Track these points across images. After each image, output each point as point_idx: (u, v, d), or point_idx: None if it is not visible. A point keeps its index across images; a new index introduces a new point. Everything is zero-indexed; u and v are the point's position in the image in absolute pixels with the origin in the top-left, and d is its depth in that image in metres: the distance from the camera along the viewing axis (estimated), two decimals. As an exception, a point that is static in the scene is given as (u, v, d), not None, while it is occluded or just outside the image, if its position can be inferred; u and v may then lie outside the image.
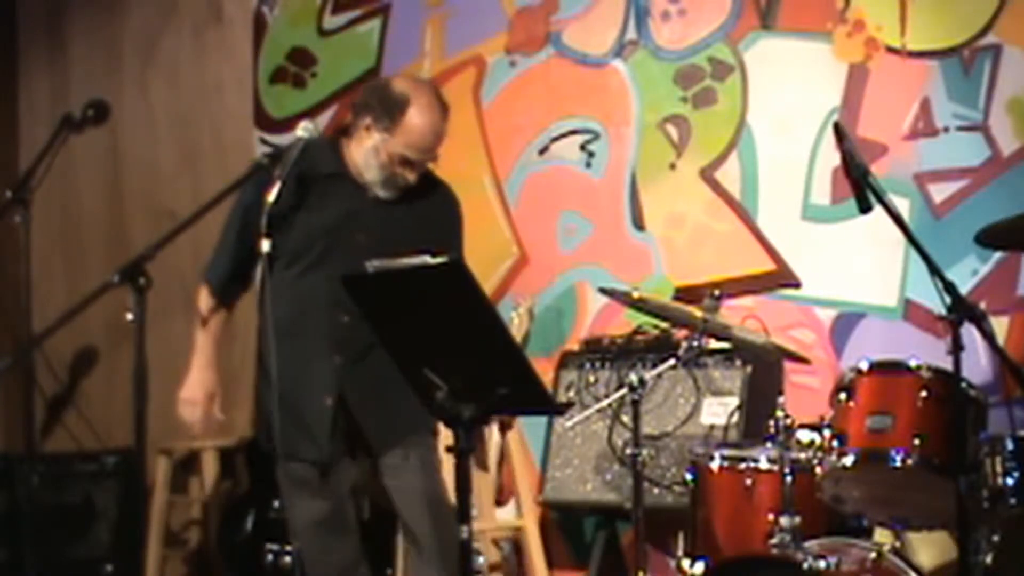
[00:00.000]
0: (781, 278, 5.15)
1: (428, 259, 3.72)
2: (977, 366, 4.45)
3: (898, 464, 3.68)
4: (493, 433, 5.06)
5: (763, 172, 5.22)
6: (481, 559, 4.92)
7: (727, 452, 4.22)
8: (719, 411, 4.78)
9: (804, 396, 4.73)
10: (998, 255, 4.72)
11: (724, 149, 5.27)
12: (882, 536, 4.01)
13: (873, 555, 3.76)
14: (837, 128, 3.54)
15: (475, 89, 5.72)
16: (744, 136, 5.24)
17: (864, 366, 3.84)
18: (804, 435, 3.87)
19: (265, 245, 3.82)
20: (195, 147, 6.45)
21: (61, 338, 5.96)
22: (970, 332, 3.42)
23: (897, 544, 3.86)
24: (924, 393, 3.71)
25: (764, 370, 4.78)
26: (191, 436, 4.79)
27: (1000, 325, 4.67)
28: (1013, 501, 3.68)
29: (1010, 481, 3.68)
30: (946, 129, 4.88)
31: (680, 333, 4.83)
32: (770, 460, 3.97)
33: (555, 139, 5.59)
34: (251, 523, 5.39)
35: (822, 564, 3.67)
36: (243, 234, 4.13)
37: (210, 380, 4.25)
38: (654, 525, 4.38)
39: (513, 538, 5.12)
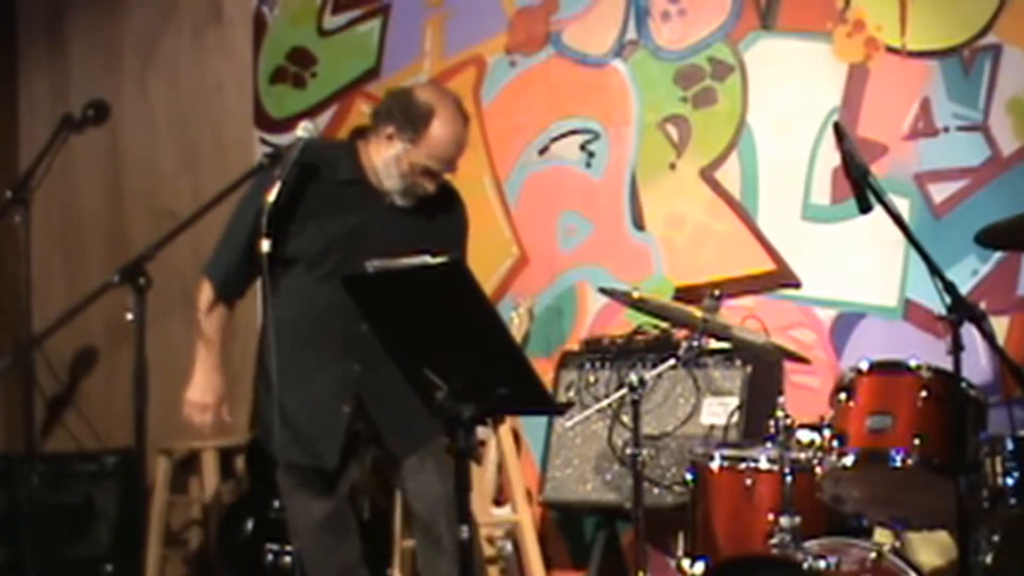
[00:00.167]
0: (781, 278, 5.15)
1: (428, 259, 3.72)
2: (977, 366, 4.45)
3: (898, 464, 3.68)
4: (491, 433, 5.06)
5: (763, 172, 5.22)
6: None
7: (727, 452, 4.21)
8: (719, 411, 4.78)
9: (804, 396, 4.73)
10: (998, 255, 4.72)
11: (724, 149, 5.27)
12: (882, 536, 4.01)
13: (873, 555, 3.76)
14: (837, 128, 3.54)
15: (475, 89, 5.71)
16: (744, 136, 5.24)
17: (864, 366, 3.84)
18: (804, 435, 3.87)
19: (265, 245, 3.81)
20: (195, 147, 6.45)
21: (61, 338, 5.97)
22: (970, 332, 3.42)
23: (897, 544, 3.86)
24: (924, 393, 3.71)
25: (764, 370, 4.78)
26: (200, 436, 4.79)
27: (1000, 325, 4.67)
28: (1013, 501, 3.67)
29: (1010, 481, 3.68)
30: (946, 129, 4.88)
31: (680, 333, 4.83)
32: (770, 460, 3.97)
33: (555, 139, 5.59)
34: (251, 523, 5.39)
35: (822, 564, 3.67)
36: (252, 233, 4.10)
37: (218, 382, 4.21)
38: (654, 525, 4.38)
39: (510, 535, 5.11)
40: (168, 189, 6.46)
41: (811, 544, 3.79)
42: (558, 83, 5.60)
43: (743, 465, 4.06)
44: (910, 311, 4.91)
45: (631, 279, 5.19)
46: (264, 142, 6.17)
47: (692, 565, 4.05)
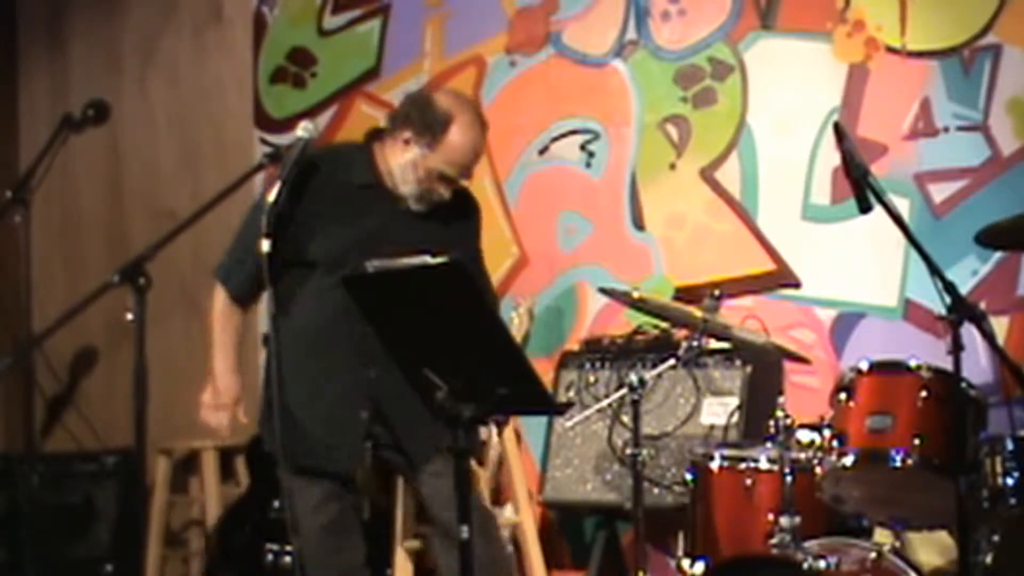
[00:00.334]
0: (781, 278, 5.15)
1: (428, 259, 3.72)
2: (977, 366, 4.45)
3: (898, 464, 3.68)
4: (491, 433, 5.06)
5: (763, 172, 5.22)
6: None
7: (727, 452, 4.21)
8: (719, 411, 4.78)
9: (804, 396, 4.73)
10: (998, 255, 4.72)
11: (724, 149, 5.27)
12: (882, 536, 4.01)
13: (873, 555, 3.76)
14: (837, 128, 3.54)
15: (475, 89, 5.71)
16: (744, 136, 5.24)
17: (864, 366, 3.84)
18: (804, 435, 3.87)
19: (265, 245, 3.79)
20: (195, 147, 6.46)
21: (61, 338, 5.97)
22: (970, 332, 3.42)
23: (897, 544, 3.86)
24: (924, 393, 3.71)
25: (764, 370, 4.78)
26: (216, 437, 4.78)
27: (1000, 325, 4.67)
28: (1013, 501, 3.68)
29: (1010, 481, 3.68)
30: (946, 129, 4.88)
31: (680, 333, 4.83)
32: (770, 460, 3.97)
33: (555, 139, 5.59)
34: (251, 523, 5.39)
35: (822, 564, 3.67)
36: (280, 230, 4.09)
37: (234, 384, 4.18)
38: (654, 525, 4.37)
39: (511, 536, 5.11)
40: (168, 189, 6.46)
41: (811, 544, 3.79)
42: (558, 83, 5.60)
43: (743, 465, 4.06)
44: (910, 311, 4.91)
45: (631, 279, 5.19)
46: (264, 142, 6.17)
47: (692, 565, 4.05)
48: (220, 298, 4.17)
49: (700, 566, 4.02)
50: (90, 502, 6.06)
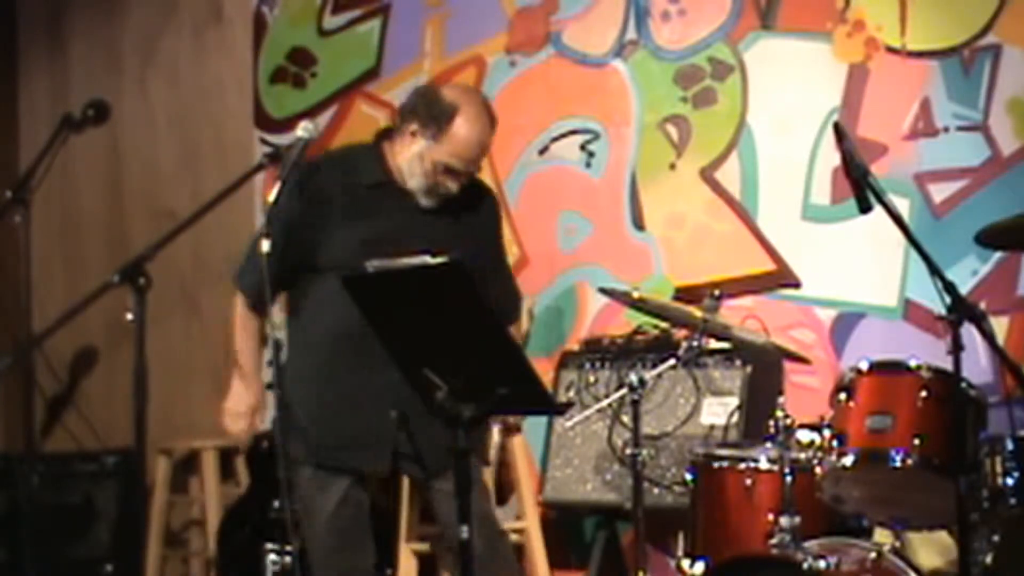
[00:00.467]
0: (781, 278, 5.15)
1: (428, 259, 3.71)
2: (977, 366, 4.45)
3: (898, 464, 3.67)
4: (493, 432, 5.05)
5: (763, 172, 5.22)
6: None
7: (727, 452, 4.21)
8: (719, 411, 4.78)
9: (804, 396, 4.73)
10: (998, 255, 4.72)
11: (724, 149, 5.28)
12: (882, 536, 4.01)
13: (873, 555, 3.76)
14: (837, 128, 3.53)
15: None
16: (744, 136, 5.24)
17: (864, 366, 3.84)
18: (804, 435, 3.87)
19: (265, 245, 3.79)
20: (195, 147, 6.46)
21: (61, 338, 5.97)
22: (970, 332, 3.42)
23: (897, 544, 3.86)
24: (924, 393, 3.70)
25: (764, 370, 4.78)
26: (242, 442, 4.77)
27: (1000, 325, 4.67)
28: (1013, 501, 3.68)
29: (1010, 481, 3.68)
30: (946, 129, 4.89)
31: (680, 333, 4.83)
32: (770, 460, 3.97)
33: (555, 139, 5.59)
34: (251, 523, 5.39)
35: (822, 564, 3.67)
36: (280, 243, 4.07)
37: (256, 391, 4.19)
38: (654, 525, 4.37)
39: (516, 541, 5.11)
40: (168, 189, 6.46)
41: (811, 544, 3.78)
42: (558, 83, 5.60)
43: (743, 465, 4.05)
44: (910, 311, 4.91)
45: (631, 279, 5.19)
46: (264, 142, 6.17)
47: (692, 565, 4.05)
48: (239, 304, 4.18)
49: (700, 566, 4.02)
50: (90, 502, 6.06)
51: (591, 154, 5.52)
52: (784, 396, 4.01)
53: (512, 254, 5.61)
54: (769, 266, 5.18)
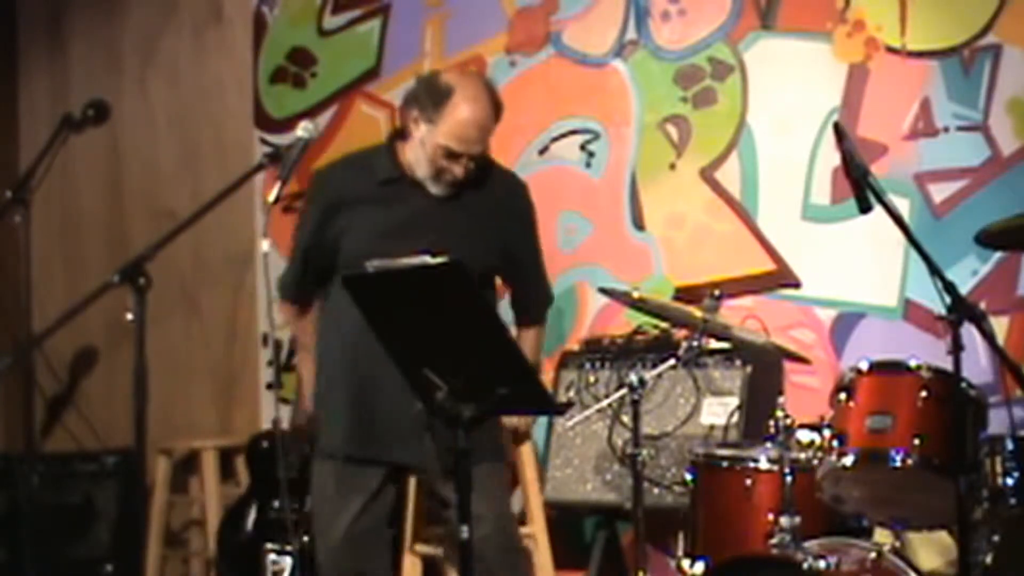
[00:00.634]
0: (781, 278, 5.15)
1: (428, 259, 3.71)
2: (977, 366, 4.45)
3: (898, 464, 3.67)
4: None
5: (763, 172, 5.22)
6: None
7: (727, 452, 4.22)
8: (719, 411, 4.78)
9: (804, 396, 4.73)
10: (998, 255, 4.72)
11: (724, 149, 5.28)
12: (882, 536, 4.01)
13: (873, 555, 3.76)
14: (837, 128, 3.53)
15: (475, 89, 5.70)
16: (744, 136, 5.24)
17: (864, 366, 3.84)
18: (804, 435, 3.87)
19: (265, 245, 3.79)
20: (195, 147, 6.46)
21: (61, 338, 5.97)
22: (970, 332, 3.42)
23: (897, 544, 3.86)
24: (924, 393, 3.70)
25: (764, 370, 4.78)
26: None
27: (1000, 325, 4.67)
28: (1013, 501, 3.68)
29: (1010, 481, 3.68)
30: (946, 129, 4.89)
31: (680, 333, 4.82)
32: (770, 460, 3.97)
33: (555, 139, 5.59)
34: (251, 523, 5.39)
35: (822, 564, 3.67)
36: (309, 246, 4.10)
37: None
38: (654, 525, 4.37)
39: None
40: (168, 189, 6.46)
41: (811, 544, 3.78)
42: (558, 83, 5.60)
43: (743, 465, 4.05)
44: (910, 311, 4.91)
45: (631, 279, 5.19)
46: (264, 142, 6.17)
47: (692, 565, 4.04)
48: (285, 312, 4.26)
49: (700, 566, 4.02)
50: (90, 502, 6.05)
51: (591, 154, 5.52)
52: (784, 396, 4.01)
53: (512, 254, 5.62)
54: (769, 266, 5.18)
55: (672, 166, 5.37)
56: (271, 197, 3.84)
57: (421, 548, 4.84)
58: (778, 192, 5.18)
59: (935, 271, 3.41)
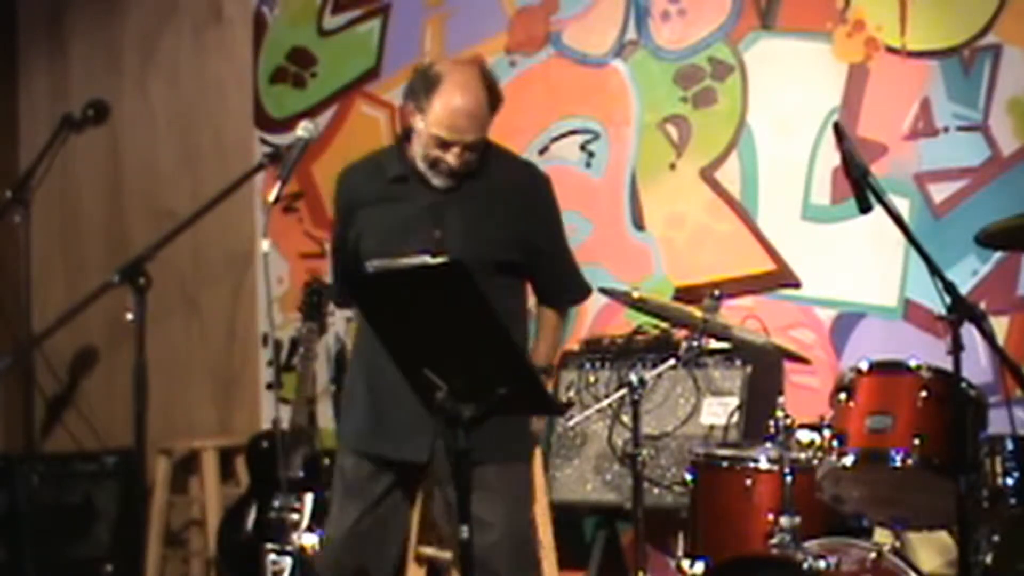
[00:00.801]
0: (781, 278, 5.15)
1: (428, 259, 3.71)
2: (977, 366, 4.45)
3: (898, 464, 3.67)
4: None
5: (763, 172, 5.22)
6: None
7: (727, 452, 4.22)
8: (719, 411, 4.78)
9: (804, 396, 4.73)
10: (998, 255, 4.72)
11: (724, 149, 5.28)
12: (882, 536, 4.01)
13: (873, 555, 3.76)
14: (837, 128, 3.53)
15: (475, 89, 5.70)
16: (744, 136, 5.24)
17: (864, 366, 3.84)
18: (804, 435, 3.86)
19: (265, 245, 3.79)
20: (195, 147, 6.46)
21: (61, 338, 5.98)
22: (970, 332, 3.42)
23: (897, 544, 3.86)
24: (924, 393, 3.70)
25: (764, 370, 4.78)
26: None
27: (1000, 325, 4.67)
28: (1013, 501, 3.68)
29: (1010, 481, 3.68)
30: (946, 129, 4.88)
31: (680, 333, 4.82)
32: (770, 460, 3.97)
33: (555, 139, 5.59)
34: (251, 523, 5.39)
35: (822, 564, 3.67)
36: (339, 253, 4.09)
37: None
38: (654, 525, 4.37)
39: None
40: (168, 189, 6.46)
41: (811, 544, 3.78)
42: (558, 83, 5.60)
43: (743, 465, 4.06)
44: (910, 311, 4.91)
45: (631, 279, 5.19)
46: (264, 142, 6.17)
47: (692, 565, 4.04)
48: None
49: (700, 566, 4.02)
50: (90, 502, 6.06)
51: (591, 154, 5.52)
52: (784, 396, 4.01)
53: (512, 254, 5.62)
54: (769, 266, 5.18)
55: (672, 166, 5.37)
56: (271, 197, 3.84)
57: (424, 551, 4.83)
58: (778, 192, 5.18)
59: (935, 271, 3.41)
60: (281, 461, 4.92)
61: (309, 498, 4.98)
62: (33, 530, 5.46)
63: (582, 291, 4.18)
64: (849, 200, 3.58)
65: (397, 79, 5.86)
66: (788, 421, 3.87)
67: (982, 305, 3.53)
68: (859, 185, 3.44)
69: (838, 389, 3.85)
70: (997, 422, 3.88)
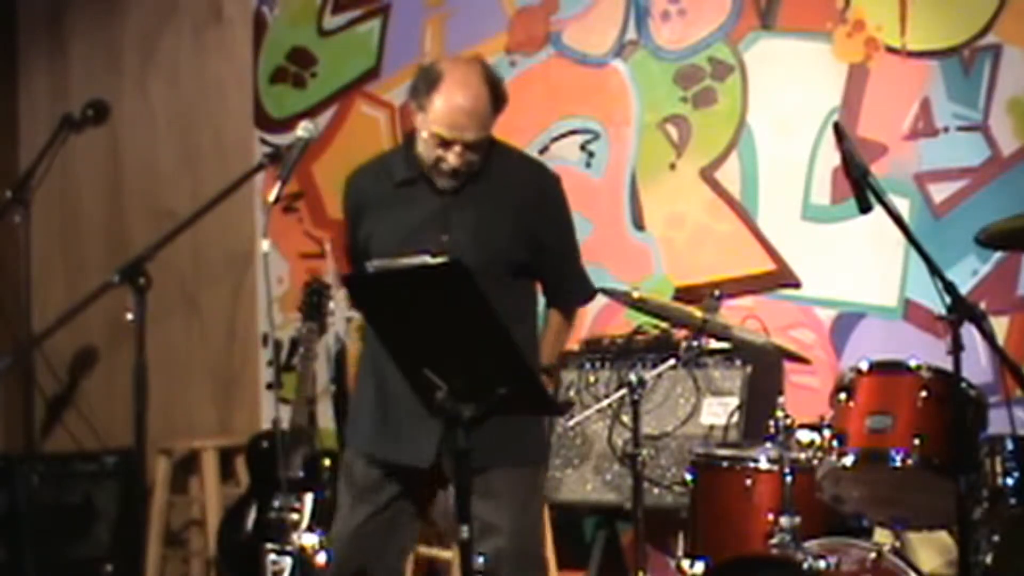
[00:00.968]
0: (781, 278, 5.15)
1: (428, 259, 3.70)
2: (977, 366, 4.45)
3: (898, 464, 3.67)
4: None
5: (763, 172, 5.22)
6: (481, 559, 4.89)
7: (727, 452, 4.21)
8: (719, 411, 4.78)
9: (804, 396, 4.73)
10: (998, 255, 4.72)
11: (724, 149, 5.28)
12: (882, 536, 4.01)
13: (873, 555, 3.76)
14: (837, 128, 3.53)
15: (475, 89, 5.70)
16: (744, 136, 5.24)
17: (864, 366, 3.84)
18: (804, 435, 3.86)
19: (265, 245, 3.78)
20: (195, 147, 6.46)
21: (61, 338, 5.98)
22: (970, 332, 3.42)
23: (897, 544, 3.86)
24: (924, 393, 3.70)
25: (764, 370, 4.78)
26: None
27: (1000, 325, 4.67)
28: (1013, 501, 3.68)
29: (1010, 481, 3.68)
30: (946, 129, 4.89)
31: (680, 333, 4.82)
32: (770, 460, 3.97)
33: (555, 139, 5.59)
34: (251, 523, 5.39)
35: (822, 564, 3.67)
36: (349, 254, 4.07)
37: None
38: (654, 525, 4.37)
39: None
40: (168, 189, 6.46)
41: (811, 544, 3.78)
42: (558, 83, 5.60)
43: (743, 465, 4.06)
44: (910, 311, 4.91)
45: (631, 279, 5.19)
46: (264, 142, 6.17)
47: (692, 565, 4.04)
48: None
49: (700, 566, 4.02)
50: (90, 502, 6.06)
51: (591, 154, 5.52)
52: (784, 396, 4.01)
53: (512, 254, 5.61)
54: (769, 266, 5.18)
55: (672, 166, 5.37)
56: (271, 197, 3.83)
57: (424, 551, 4.84)
58: (778, 192, 5.18)
59: (935, 271, 3.40)
60: (281, 461, 4.92)
61: (309, 498, 4.98)
62: (33, 530, 5.46)
63: (588, 292, 4.16)
64: (849, 200, 3.58)
65: (397, 79, 5.87)
66: (788, 421, 3.87)
67: (982, 305, 3.53)
68: (859, 185, 3.44)
69: (838, 389, 3.85)
70: (997, 422, 3.88)
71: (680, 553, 4.28)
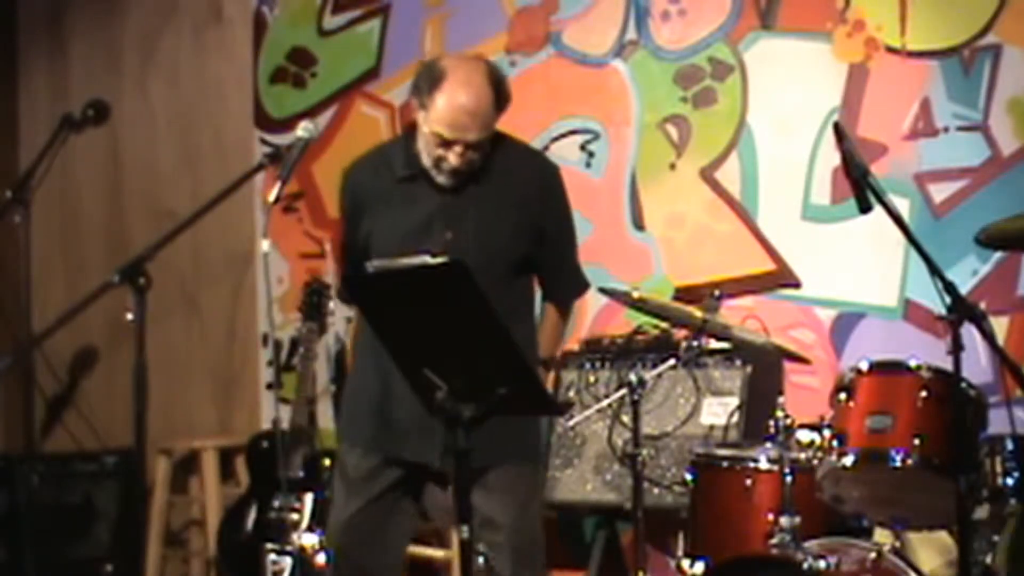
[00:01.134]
0: (781, 278, 5.15)
1: (428, 259, 3.70)
2: (977, 366, 4.45)
3: (898, 464, 3.67)
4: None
5: (763, 172, 5.22)
6: (481, 559, 4.90)
7: (727, 452, 4.21)
8: (719, 411, 4.78)
9: (804, 396, 4.73)
10: (998, 255, 4.72)
11: (724, 149, 5.28)
12: (882, 536, 4.01)
13: (873, 555, 3.76)
14: (837, 128, 3.53)
15: (475, 89, 5.70)
16: (744, 136, 5.24)
17: (864, 366, 3.84)
18: (804, 435, 3.86)
19: (265, 245, 3.78)
20: (195, 147, 6.46)
21: (61, 338, 5.98)
22: (970, 332, 3.42)
23: (897, 544, 3.86)
24: (924, 393, 3.70)
25: (764, 370, 4.78)
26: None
27: (1000, 325, 4.67)
28: (1013, 501, 3.68)
29: (1010, 481, 3.68)
30: (946, 129, 4.89)
31: (680, 333, 4.82)
32: (770, 460, 3.97)
33: (555, 139, 5.59)
34: (251, 523, 5.39)
35: (822, 564, 3.67)
36: (347, 249, 4.03)
37: None
38: (654, 525, 4.37)
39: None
40: (168, 189, 6.46)
41: (811, 544, 3.78)
42: (558, 83, 5.60)
43: (743, 465, 4.05)
44: (910, 311, 4.91)
45: (631, 279, 5.19)
46: (264, 142, 6.17)
47: (692, 565, 4.04)
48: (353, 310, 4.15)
49: (700, 566, 4.02)
50: (90, 502, 6.06)
51: (591, 154, 5.52)
52: (784, 396, 4.01)
53: (512, 254, 5.61)
54: (769, 266, 5.18)
55: (672, 166, 5.37)
56: (271, 197, 3.83)
57: (423, 551, 4.84)
58: (778, 192, 5.18)
59: (935, 271, 3.40)
60: (281, 461, 4.92)
61: (309, 498, 4.98)
62: (33, 530, 5.46)
63: (583, 287, 4.14)
64: (849, 200, 3.58)
65: (397, 79, 5.87)
66: (788, 421, 3.87)
67: (982, 305, 3.53)
68: (859, 185, 3.44)
69: (838, 389, 3.85)
70: (997, 422, 3.88)
71: (680, 553, 4.28)
